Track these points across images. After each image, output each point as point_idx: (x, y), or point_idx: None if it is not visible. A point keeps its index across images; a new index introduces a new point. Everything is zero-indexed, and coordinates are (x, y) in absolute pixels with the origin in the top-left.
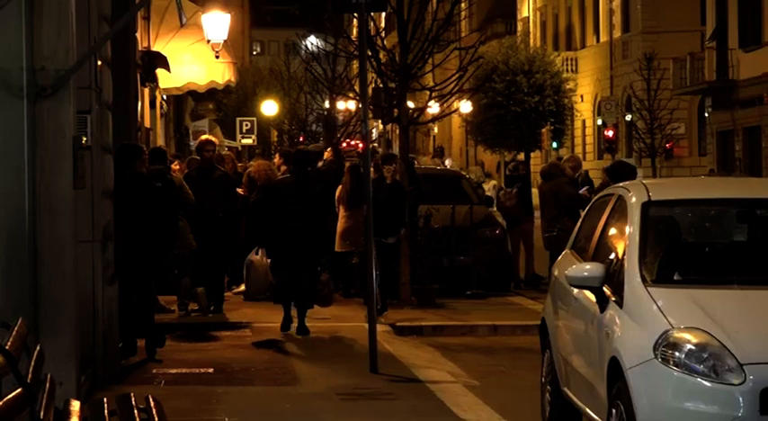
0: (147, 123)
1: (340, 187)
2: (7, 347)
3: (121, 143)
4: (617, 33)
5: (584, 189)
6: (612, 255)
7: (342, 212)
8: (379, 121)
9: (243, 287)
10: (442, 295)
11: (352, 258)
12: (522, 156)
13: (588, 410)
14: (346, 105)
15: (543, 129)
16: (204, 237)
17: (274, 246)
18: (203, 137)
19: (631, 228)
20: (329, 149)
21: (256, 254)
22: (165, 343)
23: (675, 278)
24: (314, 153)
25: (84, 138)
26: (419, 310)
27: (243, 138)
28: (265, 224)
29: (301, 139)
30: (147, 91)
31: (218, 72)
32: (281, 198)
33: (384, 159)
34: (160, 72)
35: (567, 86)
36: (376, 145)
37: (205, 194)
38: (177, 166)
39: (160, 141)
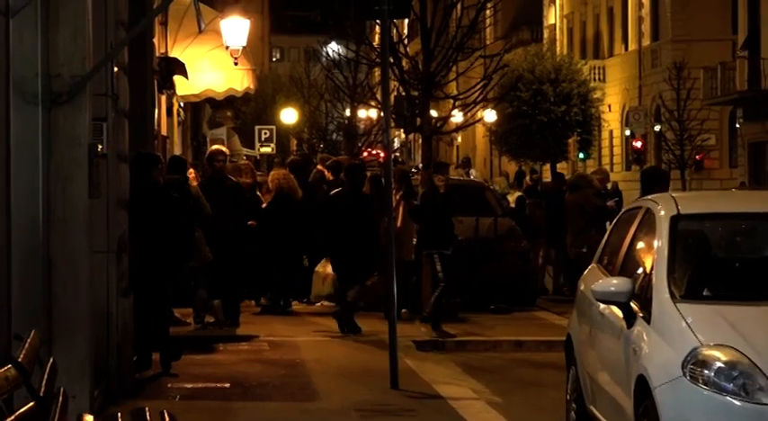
0: (164, 131)
1: None
2: (20, 360)
3: (138, 151)
4: (646, 41)
5: (611, 201)
6: (640, 270)
7: None
8: (402, 131)
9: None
10: (464, 309)
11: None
12: (547, 168)
13: None
14: (368, 114)
15: (570, 140)
16: (217, 248)
17: (335, 256)
18: (214, 147)
19: (660, 243)
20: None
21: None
22: (181, 356)
23: (705, 294)
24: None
25: (100, 146)
26: (441, 325)
27: (261, 146)
28: (327, 236)
29: (314, 148)
30: (164, 98)
31: (237, 79)
32: (338, 210)
33: (436, 168)
34: (178, 79)
35: (595, 96)
36: (398, 155)
37: (216, 205)
38: (193, 175)
39: (177, 149)
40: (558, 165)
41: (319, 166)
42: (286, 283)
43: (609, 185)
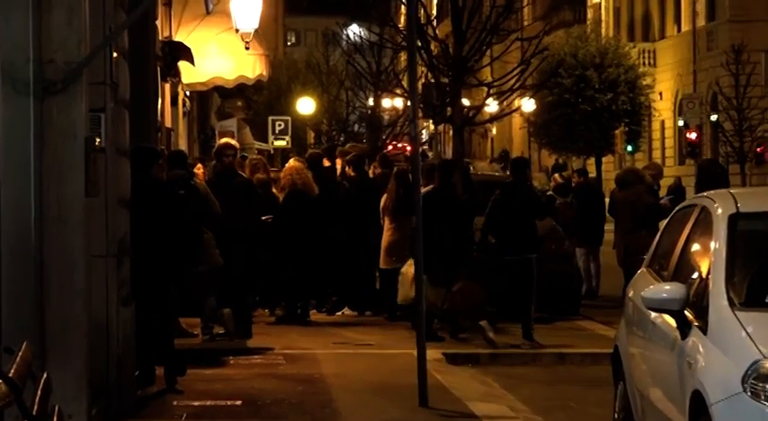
0: (168, 123)
1: (385, 196)
2: (11, 375)
3: (137, 145)
4: (701, 22)
5: (665, 198)
6: (695, 275)
7: (387, 224)
8: (430, 121)
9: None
10: (500, 318)
11: (399, 276)
12: (591, 162)
13: None
14: (393, 103)
15: (616, 131)
16: (227, 251)
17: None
18: (222, 140)
19: (717, 244)
20: (377, 158)
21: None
22: (186, 371)
23: (767, 301)
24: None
25: (98, 140)
26: (475, 336)
27: (275, 139)
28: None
29: (334, 140)
30: (168, 86)
31: (248, 65)
32: (426, 209)
33: (524, 164)
34: (183, 65)
35: (644, 82)
36: (426, 148)
37: (225, 204)
38: (201, 170)
39: (182, 143)
40: (604, 159)
41: (339, 160)
42: (303, 289)
43: (671, 181)
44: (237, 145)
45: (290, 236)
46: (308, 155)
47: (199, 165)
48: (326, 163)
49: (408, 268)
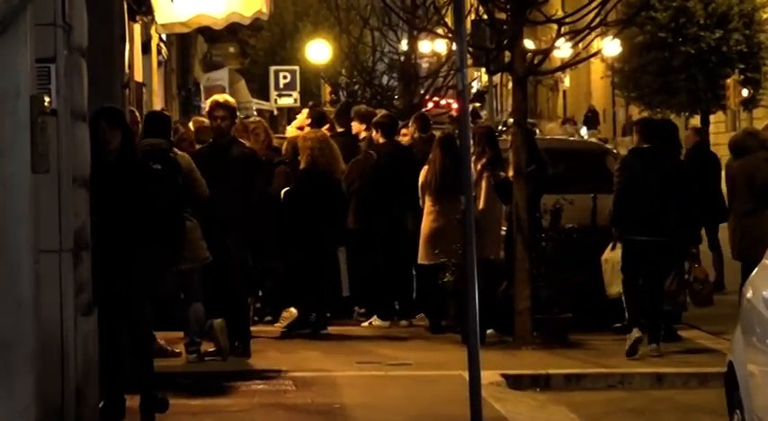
0: (139, 76)
1: (425, 169)
2: None
3: (99, 106)
4: None
5: None
6: None
7: (428, 206)
8: (483, 70)
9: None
10: (577, 329)
11: (443, 274)
12: (696, 121)
13: None
14: (433, 47)
15: (728, 80)
16: (217, 244)
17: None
18: (213, 98)
19: None
20: (414, 119)
21: (612, 248)
22: (168, 404)
23: None
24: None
25: (48, 99)
26: (544, 352)
27: (280, 96)
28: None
29: (355, 96)
30: (137, 28)
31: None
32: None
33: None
34: (157, 0)
35: (765, 16)
36: (477, 105)
37: (216, 183)
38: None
39: (157, 101)
40: (712, 117)
41: (356, 124)
42: (318, 292)
43: None
44: (234, 102)
45: (299, 225)
46: (341, 107)
47: (183, 131)
48: (339, 128)
49: (610, 254)
